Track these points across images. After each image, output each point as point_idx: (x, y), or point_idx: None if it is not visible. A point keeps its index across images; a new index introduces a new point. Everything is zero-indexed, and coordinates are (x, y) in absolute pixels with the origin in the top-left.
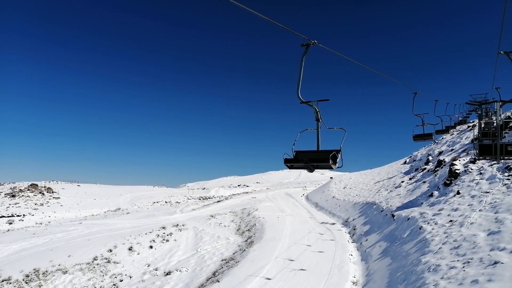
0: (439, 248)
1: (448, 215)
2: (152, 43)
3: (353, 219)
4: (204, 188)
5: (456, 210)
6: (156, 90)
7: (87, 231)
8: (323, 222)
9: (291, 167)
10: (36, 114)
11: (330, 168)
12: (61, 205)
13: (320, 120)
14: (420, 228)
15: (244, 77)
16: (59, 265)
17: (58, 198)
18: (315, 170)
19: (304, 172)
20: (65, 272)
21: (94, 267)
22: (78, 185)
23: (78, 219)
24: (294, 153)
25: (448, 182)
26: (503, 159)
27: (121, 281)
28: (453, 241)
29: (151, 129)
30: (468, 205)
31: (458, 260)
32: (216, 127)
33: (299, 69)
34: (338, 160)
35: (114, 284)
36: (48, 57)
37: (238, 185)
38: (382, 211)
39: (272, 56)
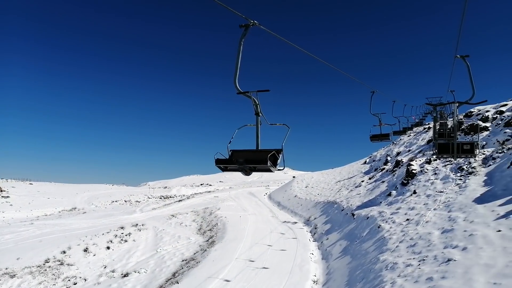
0: (396, 247)
1: (405, 214)
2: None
3: (315, 218)
4: (166, 187)
5: (412, 209)
6: (117, 87)
7: (38, 232)
8: (285, 221)
9: (224, 169)
10: None
11: (269, 170)
12: (11, 205)
13: (260, 114)
14: (378, 227)
15: (206, 74)
16: (6, 268)
17: (8, 197)
18: (254, 172)
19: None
20: (13, 276)
21: (46, 270)
22: (31, 183)
23: (30, 219)
24: (229, 153)
25: (405, 182)
26: (460, 157)
27: (75, 284)
28: (410, 239)
29: (111, 127)
30: (424, 204)
31: (414, 258)
32: (177, 125)
33: (237, 54)
34: (278, 161)
35: None
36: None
37: (201, 184)
38: (342, 210)
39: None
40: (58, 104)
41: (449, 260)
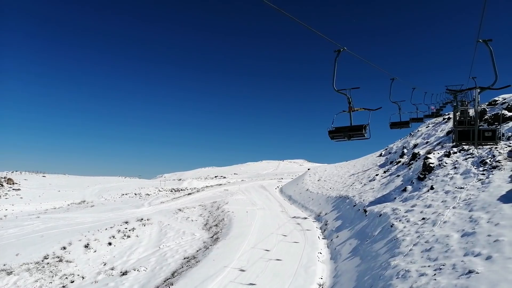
0: (410, 250)
1: (421, 212)
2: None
3: (326, 214)
4: (180, 179)
5: (429, 206)
6: (140, 81)
7: (43, 226)
8: (294, 217)
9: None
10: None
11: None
12: (21, 197)
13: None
14: (391, 226)
15: (223, 71)
16: (4, 265)
17: (19, 189)
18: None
19: (283, 163)
20: (9, 273)
21: (43, 267)
22: (44, 175)
23: (38, 212)
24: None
25: (422, 176)
26: (481, 144)
27: (72, 282)
28: (425, 242)
29: (135, 122)
30: (442, 201)
31: (429, 266)
32: (195, 119)
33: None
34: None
35: (63, 286)
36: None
37: (215, 176)
38: (354, 205)
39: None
40: (78, 99)
41: (470, 272)
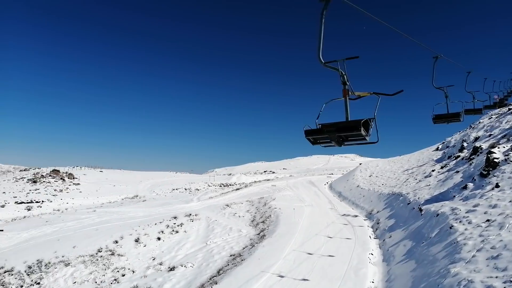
0: (473, 256)
1: (485, 213)
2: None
3: (377, 212)
4: (230, 174)
5: (494, 207)
6: (189, 78)
7: (98, 220)
8: (344, 214)
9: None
10: (67, 105)
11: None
12: (80, 192)
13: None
14: (450, 228)
15: (270, 65)
16: (63, 256)
17: (78, 184)
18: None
19: (333, 158)
20: (67, 264)
21: (97, 260)
22: (101, 170)
23: (94, 206)
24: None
25: (485, 172)
26: None
27: (123, 275)
28: (491, 248)
29: (186, 120)
30: (510, 201)
31: (497, 277)
32: (248, 113)
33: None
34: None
35: (115, 279)
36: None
37: (264, 171)
38: (409, 203)
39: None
40: (134, 98)
41: None
